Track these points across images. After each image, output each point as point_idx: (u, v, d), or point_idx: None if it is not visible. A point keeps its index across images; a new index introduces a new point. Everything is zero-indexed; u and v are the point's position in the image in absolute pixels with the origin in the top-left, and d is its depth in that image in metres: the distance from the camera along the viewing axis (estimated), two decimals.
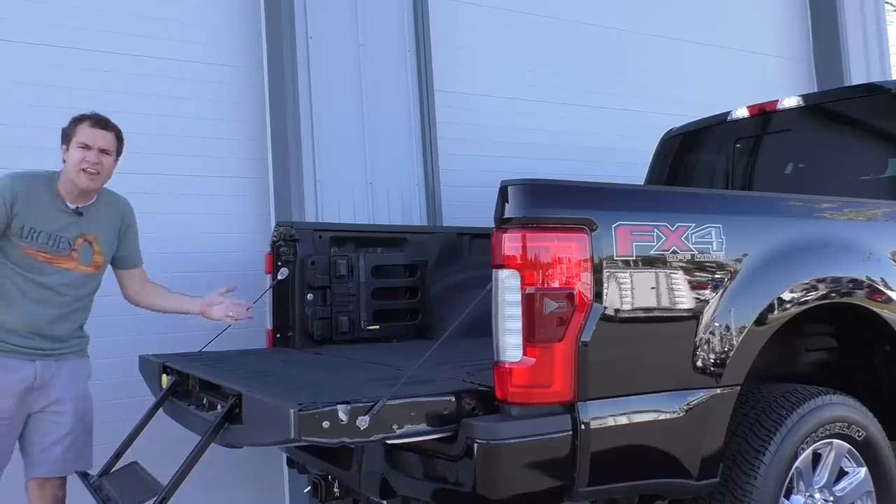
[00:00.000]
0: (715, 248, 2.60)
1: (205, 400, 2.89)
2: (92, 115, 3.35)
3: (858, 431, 2.93)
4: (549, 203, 2.38)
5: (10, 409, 3.24)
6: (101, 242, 3.44)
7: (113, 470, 3.14)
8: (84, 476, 3.21)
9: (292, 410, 2.09)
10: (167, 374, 3.26)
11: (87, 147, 3.28)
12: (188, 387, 3.12)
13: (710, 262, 2.59)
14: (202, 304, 3.67)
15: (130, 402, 3.64)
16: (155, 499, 2.58)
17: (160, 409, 3.24)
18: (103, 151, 3.32)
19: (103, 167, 3.33)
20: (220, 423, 2.55)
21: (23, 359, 3.25)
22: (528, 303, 2.29)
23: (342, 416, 2.13)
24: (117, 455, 3.21)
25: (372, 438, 2.20)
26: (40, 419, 3.31)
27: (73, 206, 3.35)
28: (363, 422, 2.15)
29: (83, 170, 3.28)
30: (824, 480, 2.89)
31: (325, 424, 2.11)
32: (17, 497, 3.38)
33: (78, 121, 3.33)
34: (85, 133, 3.29)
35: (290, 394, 2.38)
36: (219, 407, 2.68)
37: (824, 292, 2.84)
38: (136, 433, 3.25)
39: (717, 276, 2.59)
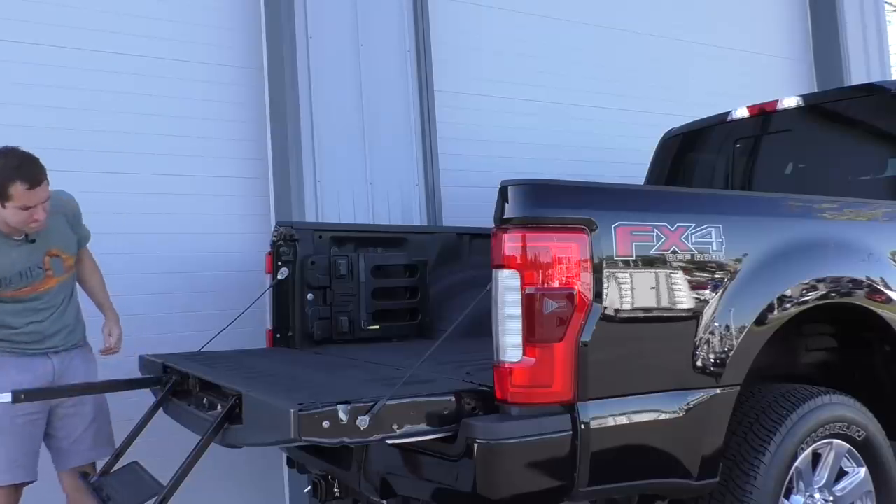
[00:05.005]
0: (715, 248, 2.60)
1: (205, 400, 2.88)
2: (21, 176, 3.12)
3: (858, 431, 2.93)
4: (549, 203, 2.38)
5: (37, 406, 3.33)
6: (65, 247, 3.48)
7: (113, 470, 3.15)
8: (84, 476, 3.23)
9: (292, 410, 2.09)
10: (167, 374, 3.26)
11: (29, 208, 3.17)
12: (188, 387, 3.13)
13: (709, 262, 2.59)
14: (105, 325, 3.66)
15: (130, 401, 3.64)
16: (155, 499, 2.58)
17: (160, 410, 3.24)
18: (44, 202, 3.21)
19: (47, 212, 3.25)
20: (220, 422, 2.55)
21: (41, 358, 3.39)
22: (528, 303, 2.29)
23: (342, 416, 2.13)
24: (117, 455, 3.23)
25: (372, 438, 2.20)
26: (65, 413, 3.43)
27: (21, 237, 3.32)
28: (363, 422, 2.15)
29: (31, 224, 3.21)
30: (824, 480, 2.89)
31: (326, 424, 2.11)
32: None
33: (8, 182, 3.11)
34: (23, 197, 3.13)
35: (290, 394, 2.37)
36: (219, 407, 2.68)
37: (824, 292, 2.84)
38: (137, 433, 3.25)
39: (716, 276, 2.59)
